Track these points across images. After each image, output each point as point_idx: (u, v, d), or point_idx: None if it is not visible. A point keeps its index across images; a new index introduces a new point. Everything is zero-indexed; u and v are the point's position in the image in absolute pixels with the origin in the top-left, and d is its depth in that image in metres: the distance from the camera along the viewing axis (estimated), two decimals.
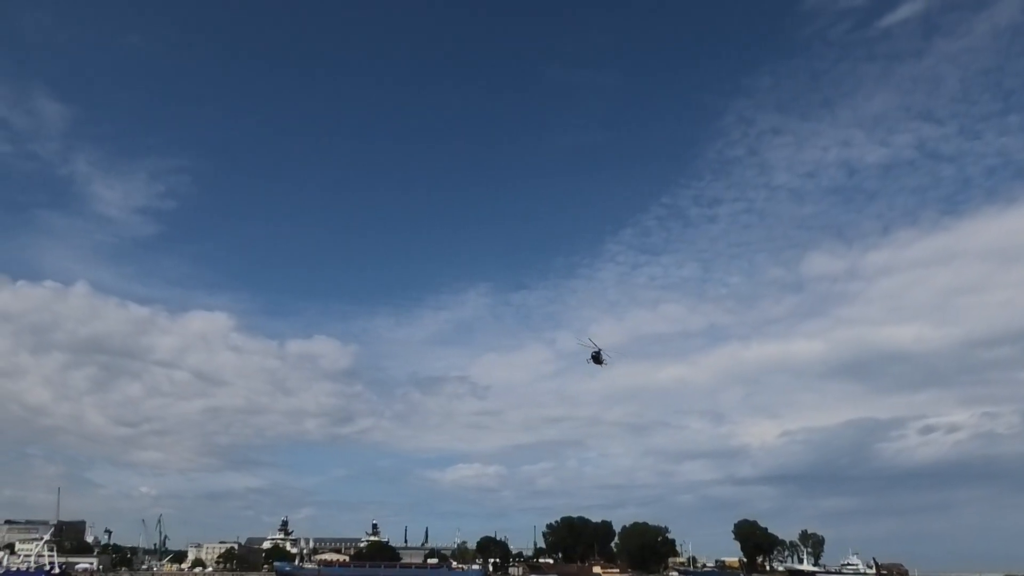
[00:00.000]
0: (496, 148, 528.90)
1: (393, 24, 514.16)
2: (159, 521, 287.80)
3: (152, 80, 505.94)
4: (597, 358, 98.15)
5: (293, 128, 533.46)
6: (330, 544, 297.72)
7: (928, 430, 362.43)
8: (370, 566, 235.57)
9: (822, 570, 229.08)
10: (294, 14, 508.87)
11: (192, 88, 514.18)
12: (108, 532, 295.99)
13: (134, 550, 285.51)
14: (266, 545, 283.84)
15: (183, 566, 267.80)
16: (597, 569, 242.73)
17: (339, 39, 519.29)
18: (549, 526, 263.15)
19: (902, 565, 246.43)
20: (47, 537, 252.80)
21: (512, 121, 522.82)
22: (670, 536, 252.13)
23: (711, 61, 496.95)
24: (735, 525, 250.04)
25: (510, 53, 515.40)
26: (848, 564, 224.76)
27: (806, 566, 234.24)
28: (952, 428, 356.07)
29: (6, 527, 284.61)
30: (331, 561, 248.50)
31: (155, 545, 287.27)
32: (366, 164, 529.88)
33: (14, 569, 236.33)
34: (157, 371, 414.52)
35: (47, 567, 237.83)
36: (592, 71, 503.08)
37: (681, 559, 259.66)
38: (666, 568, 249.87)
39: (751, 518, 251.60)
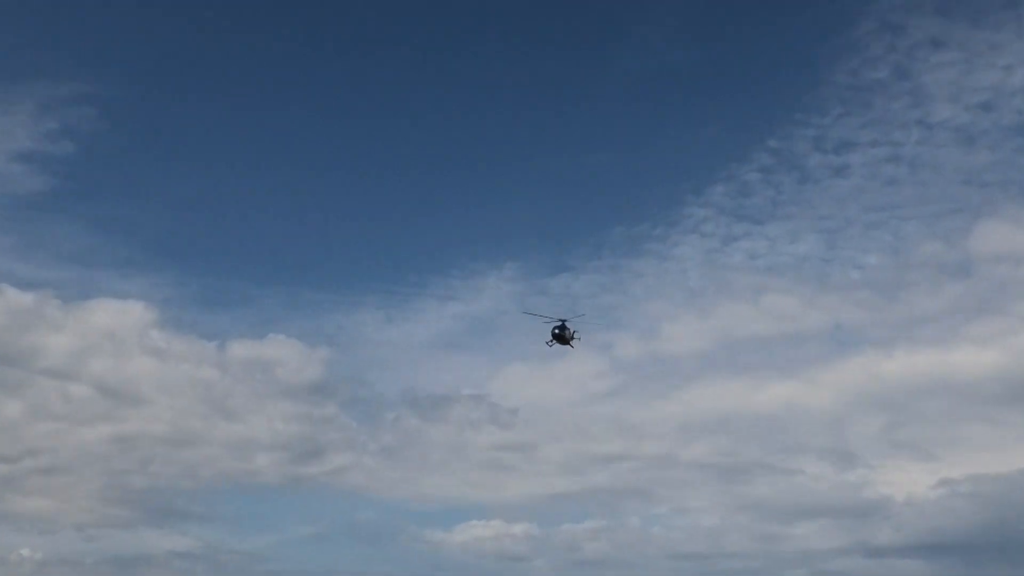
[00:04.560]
0: (538, 73, 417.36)
1: None
2: None
3: None
4: (561, 337, 78.69)
5: (249, 41, 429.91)
6: None
7: None
8: None
9: None
10: None
11: None
12: None
13: None
14: None
15: None
16: None
17: None
18: None
19: None
20: None
21: (560, 36, 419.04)
22: None
23: None
24: None
25: None
26: None
27: None
28: None
29: None
30: None
31: None
32: (353, 90, 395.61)
33: None
34: (46, 383, 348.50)
35: None
36: None
37: None
38: None
39: None
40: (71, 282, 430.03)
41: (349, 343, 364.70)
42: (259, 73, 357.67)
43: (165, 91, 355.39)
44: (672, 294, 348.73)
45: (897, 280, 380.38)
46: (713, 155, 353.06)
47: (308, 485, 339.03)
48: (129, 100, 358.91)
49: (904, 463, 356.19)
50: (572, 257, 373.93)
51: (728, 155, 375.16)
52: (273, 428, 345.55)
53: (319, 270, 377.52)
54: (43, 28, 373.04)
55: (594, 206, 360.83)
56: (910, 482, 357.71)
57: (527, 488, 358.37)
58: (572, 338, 76.64)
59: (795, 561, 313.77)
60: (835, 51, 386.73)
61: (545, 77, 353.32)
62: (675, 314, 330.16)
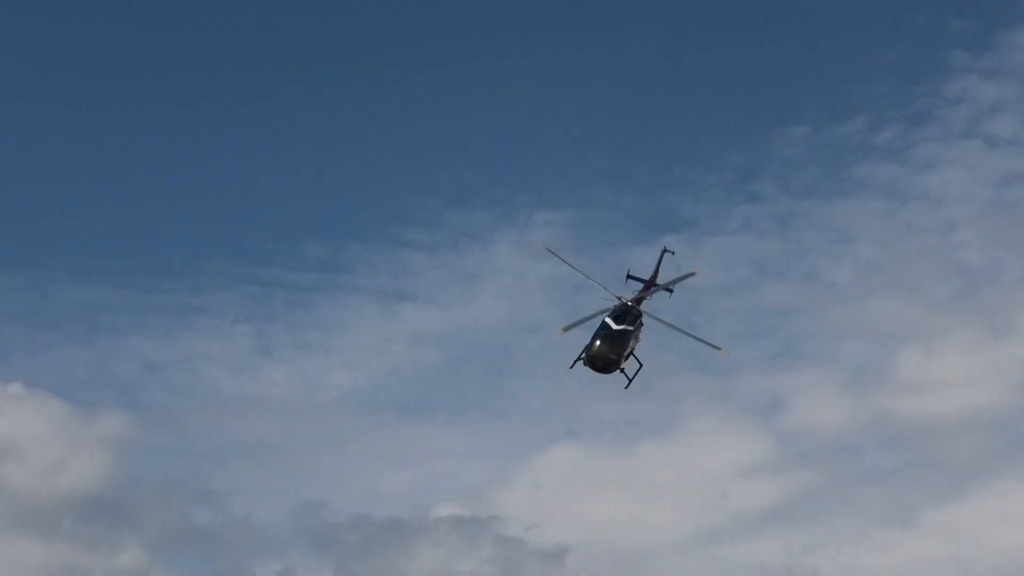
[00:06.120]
0: None
1: None
2: None
3: None
4: (602, 361, 34.33)
5: None
6: None
7: None
8: None
9: None
10: None
11: None
12: None
13: None
14: None
15: None
16: None
17: None
18: None
19: None
20: None
21: None
22: None
23: None
24: None
25: None
26: None
27: None
28: None
29: None
30: None
31: None
32: None
33: None
34: None
35: None
36: None
37: None
38: None
39: None
40: None
41: (173, 402, 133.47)
42: None
43: None
44: (920, 283, 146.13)
45: None
46: None
47: None
48: None
49: None
50: (689, 198, 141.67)
51: None
52: None
53: (105, 240, 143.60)
54: None
55: (738, 80, 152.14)
56: None
57: None
58: (631, 352, 35.00)
59: None
60: None
61: None
62: (929, 329, 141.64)
